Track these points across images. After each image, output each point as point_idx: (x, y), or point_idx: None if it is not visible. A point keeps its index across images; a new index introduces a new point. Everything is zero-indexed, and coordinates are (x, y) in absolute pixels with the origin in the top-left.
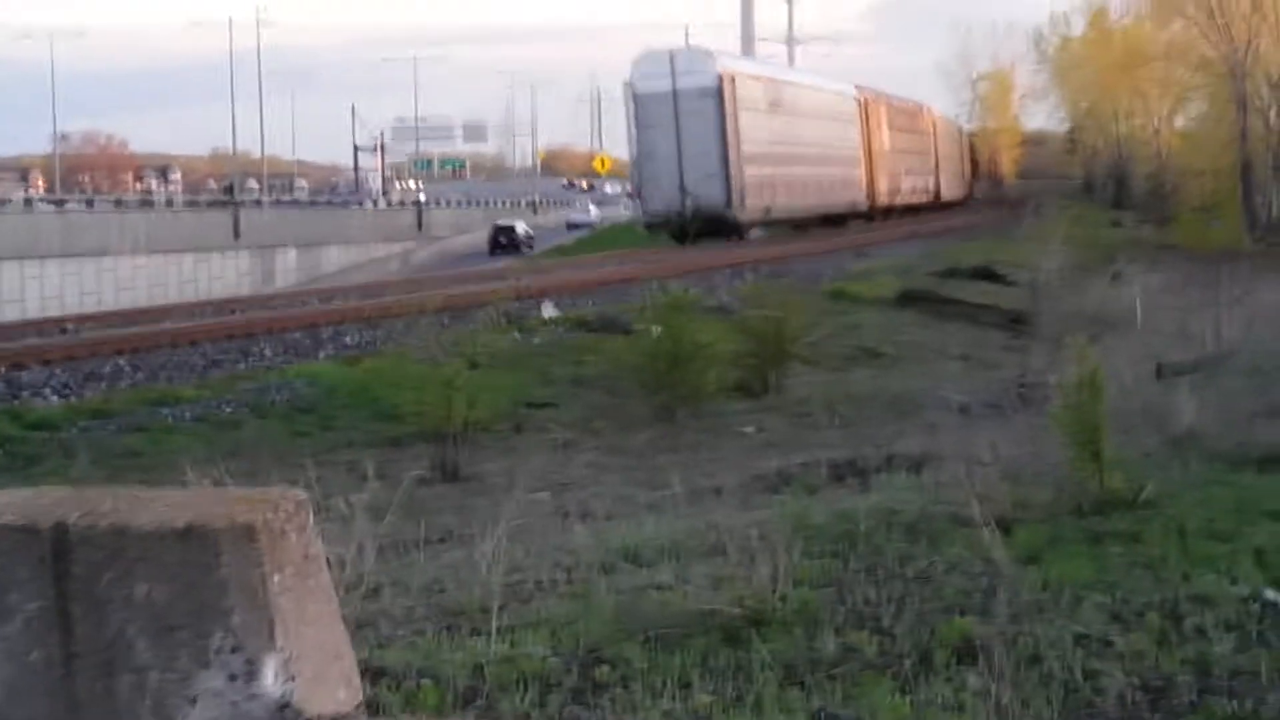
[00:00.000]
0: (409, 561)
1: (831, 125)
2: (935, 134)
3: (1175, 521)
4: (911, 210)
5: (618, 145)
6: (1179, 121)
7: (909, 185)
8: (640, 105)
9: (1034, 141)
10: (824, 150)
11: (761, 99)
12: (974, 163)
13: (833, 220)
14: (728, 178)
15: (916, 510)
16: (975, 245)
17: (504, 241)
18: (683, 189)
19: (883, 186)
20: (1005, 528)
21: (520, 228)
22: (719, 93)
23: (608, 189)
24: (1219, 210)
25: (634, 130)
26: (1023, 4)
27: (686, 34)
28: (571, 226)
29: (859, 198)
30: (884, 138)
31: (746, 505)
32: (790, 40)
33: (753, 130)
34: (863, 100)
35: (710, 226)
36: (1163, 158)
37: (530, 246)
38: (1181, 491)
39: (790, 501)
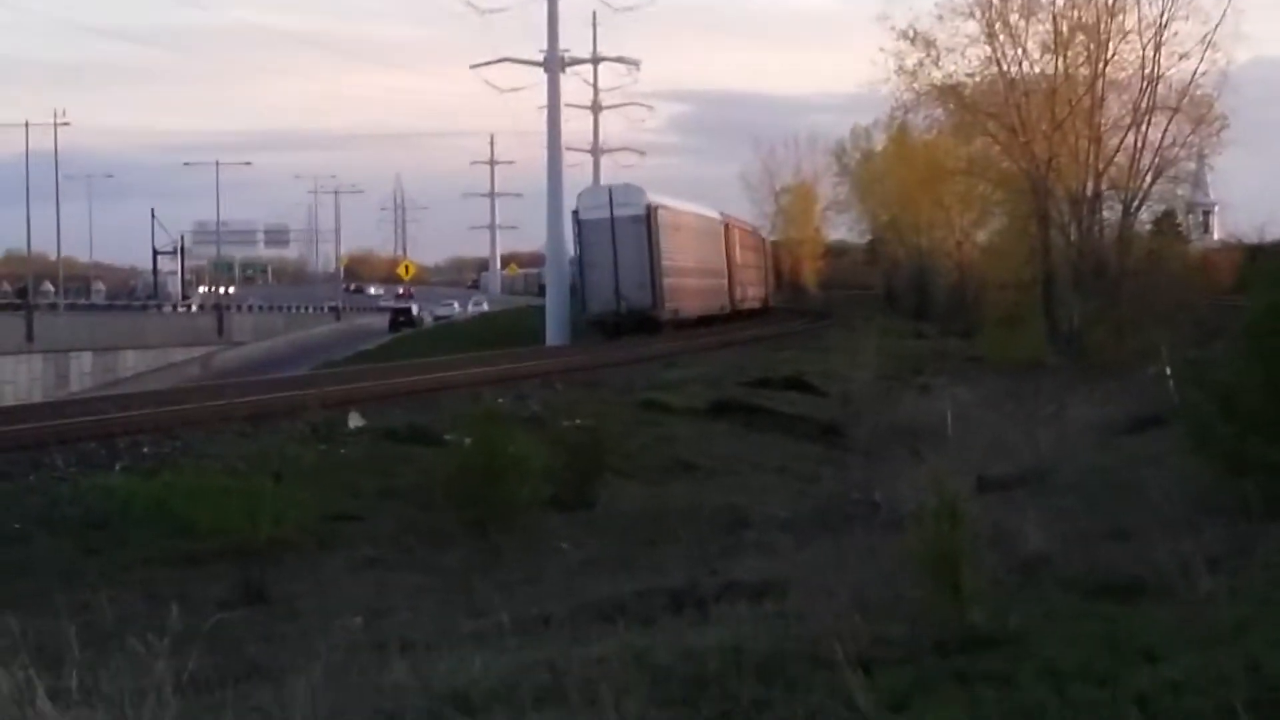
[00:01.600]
0: (213, 704)
1: (710, 245)
2: (762, 249)
3: (1048, 663)
4: (743, 315)
5: (420, 251)
6: (980, 235)
7: (751, 293)
8: (584, 229)
9: (836, 252)
10: (706, 265)
11: (672, 224)
12: (778, 272)
13: (707, 320)
14: (654, 285)
15: (767, 647)
16: (783, 355)
17: (402, 320)
18: (618, 294)
19: (737, 294)
20: (865, 668)
21: (414, 309)
22: (647, 220)
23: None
24: (1021, 323)
25: (578, 249)
26: (825, 119)
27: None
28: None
29: (725, 303)
30: (737, 254)
31: (579, 638)
32: (595, 150)
33: (669, 249)
34: (725, 224)
35: (638, 323)
36: (964, 270)
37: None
38: (1045, 626)
39: (629, 636)
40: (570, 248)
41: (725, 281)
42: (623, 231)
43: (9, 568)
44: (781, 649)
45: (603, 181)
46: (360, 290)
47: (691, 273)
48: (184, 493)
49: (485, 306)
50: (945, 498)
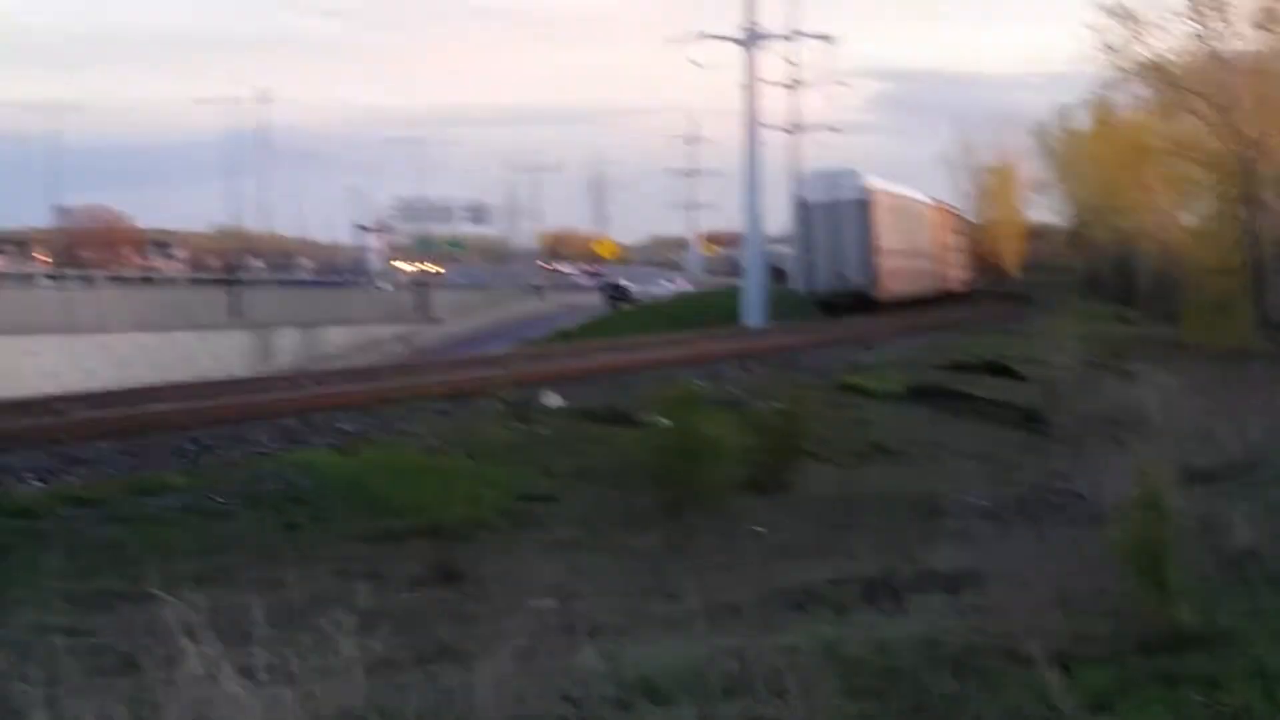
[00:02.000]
0: (401, 684)
1: (921, 227)
2: (964, 231)
3: (1257, 663)
4: (946, 297)
5: (619, 229)
6: (1186, 217)
7: (955, 275)
8: (808, 212)
9: (1037, 235)
10: (917, 247)
11: (889, 208)
12: (978, 254)
13: (917, 301)
14: (872, 266)
15: (962, 641)
16: (983, 339)
17: (616, 296)
18: (837, 273)
19: (944, 275)
20: (1065, 666)
21: (625, 284)
22: (867, 203)
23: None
24: (1228, 309)
25: (802, 230)
26: (1027, 98)
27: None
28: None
29: (934, 284)
30: (944, 236)
31: (770, 626)
32: (794, 128)
33: (885, 232)
34: (938, 208)
35: (858, 302)
36: (1169, 253)
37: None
38: (1254, 625)
39: (819, 626)
40: (774, 226)
41: (934, 263)
42: (844, 214)
43: (211, 543)
44: (977, 643)
45: (802, 160)
46: (555, 269)
47: (905, 254)
48: (381, 470)
49: (686, 286)
50: (1150, 489)
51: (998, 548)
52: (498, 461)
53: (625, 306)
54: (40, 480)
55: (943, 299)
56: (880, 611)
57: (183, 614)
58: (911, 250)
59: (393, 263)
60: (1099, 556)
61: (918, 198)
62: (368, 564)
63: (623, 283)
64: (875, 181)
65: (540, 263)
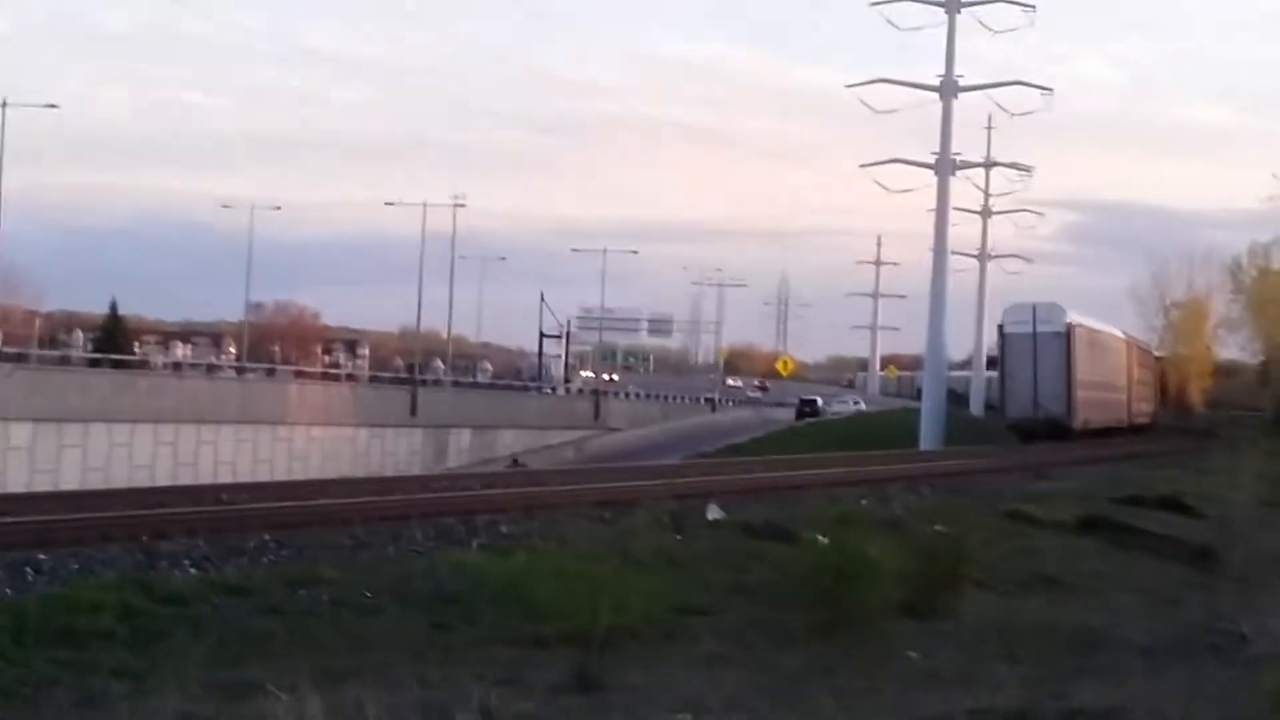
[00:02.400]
0: None
1: (1114, 361)
2: (1152, 365)
3: None
4: (1133, 430)
5: (800, 348)
6: None
7: (1143, 409)
8: (1008, 341)
9: (1225, 372)
10: (1109, 379)
11: (1086, 341)
12: (1163, 388)
13: (1106, 431)
14: (1069, 397)
15: None
16: (1161, 474)
17: (808, 411)
18: (1035, 403)
19: (1134, 408)
20: None
21: (819, 401)
22: (1067, 337)
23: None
24: None
25: (1001, 359)
26: (1219, 235)
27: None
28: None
29: (1124, 416)
30: (1134, 370)
31: None
32: (983, 255)
33: (1082, 364)
34: (1128, 341)
35: (1052, 430)
36: None
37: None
38: None
39: None
40: (955, 352)
41: (1124, 396)
42: (1043, 346)
43: (357, 639)
44: None
45: (988, 288)
46: (729, 384)
47: (1099, 386)
48: (534, 574)
49: (862, 406)
50: None
51: (1149, 687)
52: (653, 572)
53: (811, 420)
54: (196, 568)
55: (1127, 431)
56: None
57: (304, 708)
58: (1105, 383)
59: (581, 371)
60: (1255, 704)
61: (1112, 331)
62: (509, 668)
63: (815, 399)
64: (1075, 315)
65: (714, 377)
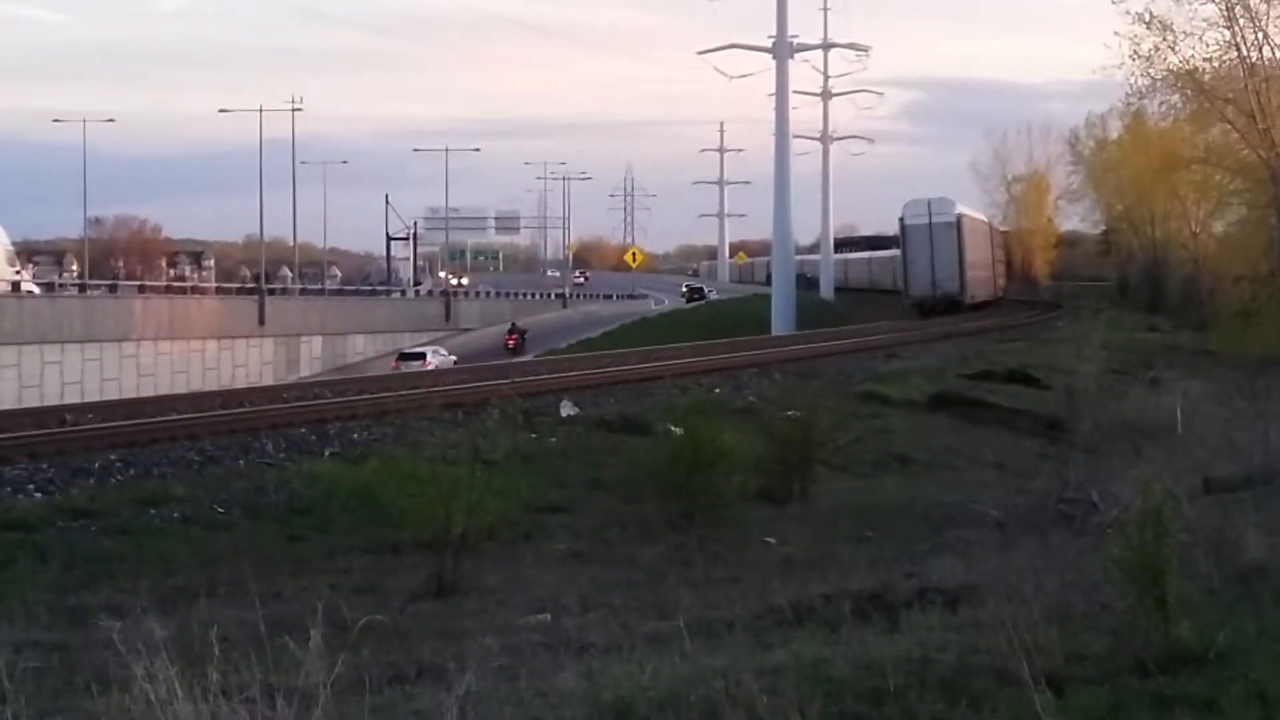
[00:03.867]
0: (375, 705)
1: (985, 243)
2: (1002, 242)
3: (1256, 686)
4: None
5: (649, 239)
6: (1217, 226)
7: (999, 284)
8: (908, 232)
9: (1068, 243)
10: (983, 259)
11: (970, 229)
12: (1009, 262)
13: (981, 305)
14: (961, 277)
15: (954, 661)
16: (1008, 347)
17: (698, 298)
18: (934, 283)
19: (995, 284)
20: (1057, 687)
21: (704, 287)
22: (958, 226)
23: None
24: (1258, 317)
25: (902, 247)
26: (1058, 107)
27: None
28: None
29: (991, 291)
30: (995, 250)
31: (760, 643)
32: (825, 138)
33: (970, 249)
34: (990, 224)
35: (948, 305)
36: (1200, 262)
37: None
38: (1257, 645)
39: (808, 645)
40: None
41: (992, 273)
42: (938, 235)
43: (209, 555)
44: (969, 663)
45: (831, 171)
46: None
47: (978, 265)
48: (386, 480)
49: (714, 294)
50: (1152, 502)
51: (1002, 560)
52: (508, 472)
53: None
54: (42, 492)
55: (979, 306)
56: (873, 630)
57: (145, 634)
58: (983, 262)
59: (425, 273)
60: (1102, 571)
61: (979, 217)
62: (365, 577)
63: (701, 285)
64: (962, 207)
65: (542, 270)
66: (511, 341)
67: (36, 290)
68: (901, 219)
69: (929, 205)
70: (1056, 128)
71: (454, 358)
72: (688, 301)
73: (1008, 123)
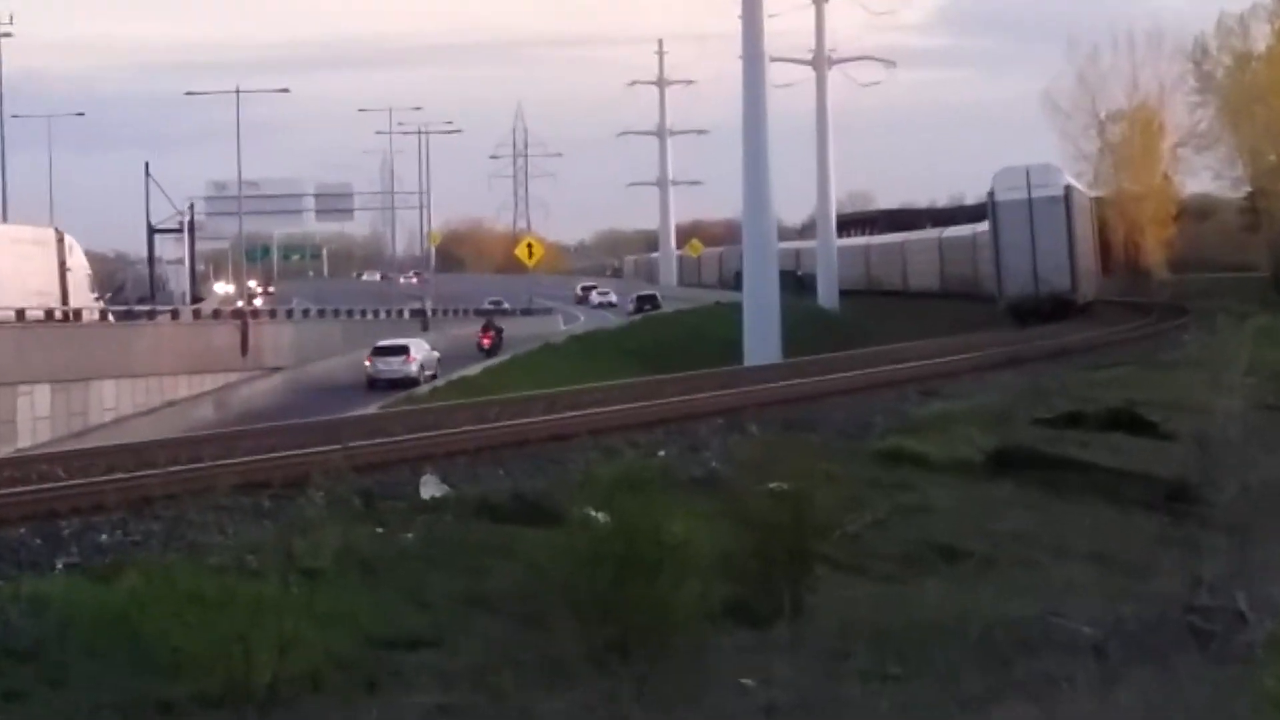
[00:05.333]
0: None
1: (1089, 223)
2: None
3: None
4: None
5: (553, 224)
6: None
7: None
8: (1000, 210)
9: (1195, 213)
10: (1091, 246)
11: (1080, 205)
12: (1105, 247)
13: (1085, 307)
14: (1072, 269)
15: None
16: (1106, 375)
17: (649, 307)
18: (1035, 278)
19: (1099, 278)
20: None
21: (658, 295)
22: (1065, 201)
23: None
24: None
25: (994, 231)
26: (1174, 6)
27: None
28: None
29: (1098, 287)
30: (1094, 233)
31: None
32: (820, 60)
33: (1079, 231)
34: (1090, 200)
35: (1055, 307)
36: None
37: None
38: None
39: None
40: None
41: (1096, 263)
42: (1041, 214)
43: None
44: None
45: (831, 109)
46: (386, 278)
47: (1089, 255)
48: (152, 604)
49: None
50: None
51: (1104, 706)
52: (340, 586)
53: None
54: None
55: (1086, 307)
56: None
57: None
58: (1091, 250)
59: (208, 280)
60: (1253, 714)
61: (1080, 187)
62: None
63: (654, 293)
64: (1069, 177)
65: (358, 274)
66: (488, 341)
67: None
68: (991, 193)
69: (1027, 174)
70: (1173, 36)
71: (438, 353)
72: (635, 313)
73: (1098, 30)
